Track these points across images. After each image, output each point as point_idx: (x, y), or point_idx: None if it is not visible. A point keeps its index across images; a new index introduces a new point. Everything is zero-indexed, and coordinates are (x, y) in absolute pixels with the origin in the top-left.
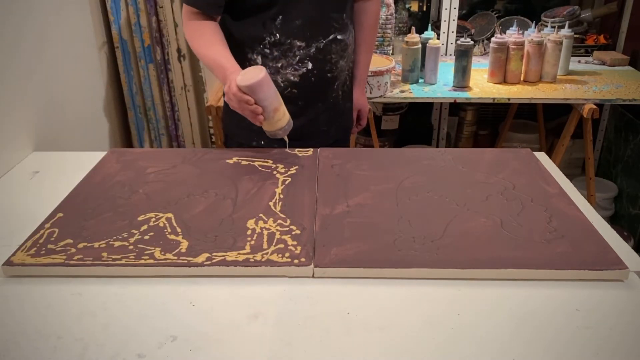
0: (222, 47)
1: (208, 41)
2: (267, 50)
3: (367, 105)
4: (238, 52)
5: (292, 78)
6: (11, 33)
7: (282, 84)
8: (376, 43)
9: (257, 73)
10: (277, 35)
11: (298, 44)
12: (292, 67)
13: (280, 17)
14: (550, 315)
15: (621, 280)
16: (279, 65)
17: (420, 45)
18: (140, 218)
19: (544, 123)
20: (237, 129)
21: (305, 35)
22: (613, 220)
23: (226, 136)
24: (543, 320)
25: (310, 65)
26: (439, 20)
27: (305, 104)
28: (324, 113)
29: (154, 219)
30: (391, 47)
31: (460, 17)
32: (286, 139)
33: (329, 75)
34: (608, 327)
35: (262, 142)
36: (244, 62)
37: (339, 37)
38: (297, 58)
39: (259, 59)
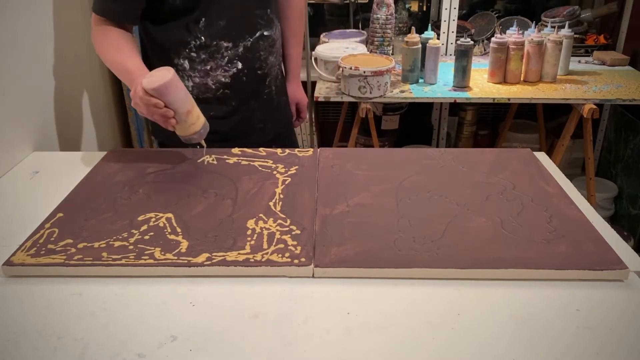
0: (129, 51)
1: (115, 46)
2: (194, 54)
3: (305, 98)
4: (164, 59)
5: (223, 79)
6: (11, 33)
7: (213, 86)
8: (376, 43)
9: (164, 74)
10: (202, 38)
11: (225, 44)
12: (221, 68)
13: (203, 19)
14: (550, 315)
15: (621, 280)
16: (208, 67)
17: (420, 45)
18: (140, 218)
19: (544, 123)
20: (170, 134)
21: (231, 35)
22: (613, 220)
23: (161, 144)
24: (543, 321)
25: (240, 65)
26: (439, 20)
27: (238, 103)
28: (258, 110)
29: (154, 219)
30: (391, 47)
31: (460, 17)
32: (203, 143)
33: (259, 72)
34: (608, 327)
35: (197, 147)
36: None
37: (265, 33)
38: (226, 59)
39: (186, 64)
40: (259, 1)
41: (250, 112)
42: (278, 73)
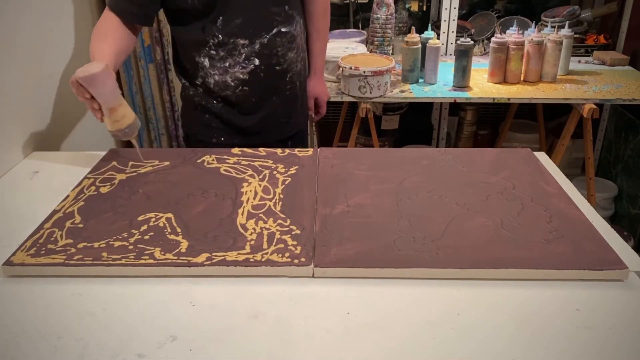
0: (109, 42)
1: (100, 35)
2: (213, 52)
3: (325, 94)
4: (186, 56)
5: (241, 76)
6: (11, 33)
7: (232, 83)
8: (376, 43)
9: (94, 67)
10: (220, 36)
11: (241, 42)
12: (239, 65)
13: (221, 17)
14: (550, 315)
15: (621, 280)
16: (227, 64)
17: (420, 45)
18: (140, 218)
19: (544, 123)
20: (196, 127)
21: (247, 32)
22: (613, 220)
23: (187, 136)
24: (543, 320)
25: (257, 62)
26: (439, 20)
27: (259, 99)
28: (280, 106)
29: (154, 219)
30: (391, 47)
31: (460, 17)
32: (134, 143)
33: (277, 68)
34: (608, 327)
35: (222, 139)
36: (192, 64)
37: (283, 29)
38: (243, 56)
39: (206, 61)
40: None
41: (273, 108)
42: (302, 69)
